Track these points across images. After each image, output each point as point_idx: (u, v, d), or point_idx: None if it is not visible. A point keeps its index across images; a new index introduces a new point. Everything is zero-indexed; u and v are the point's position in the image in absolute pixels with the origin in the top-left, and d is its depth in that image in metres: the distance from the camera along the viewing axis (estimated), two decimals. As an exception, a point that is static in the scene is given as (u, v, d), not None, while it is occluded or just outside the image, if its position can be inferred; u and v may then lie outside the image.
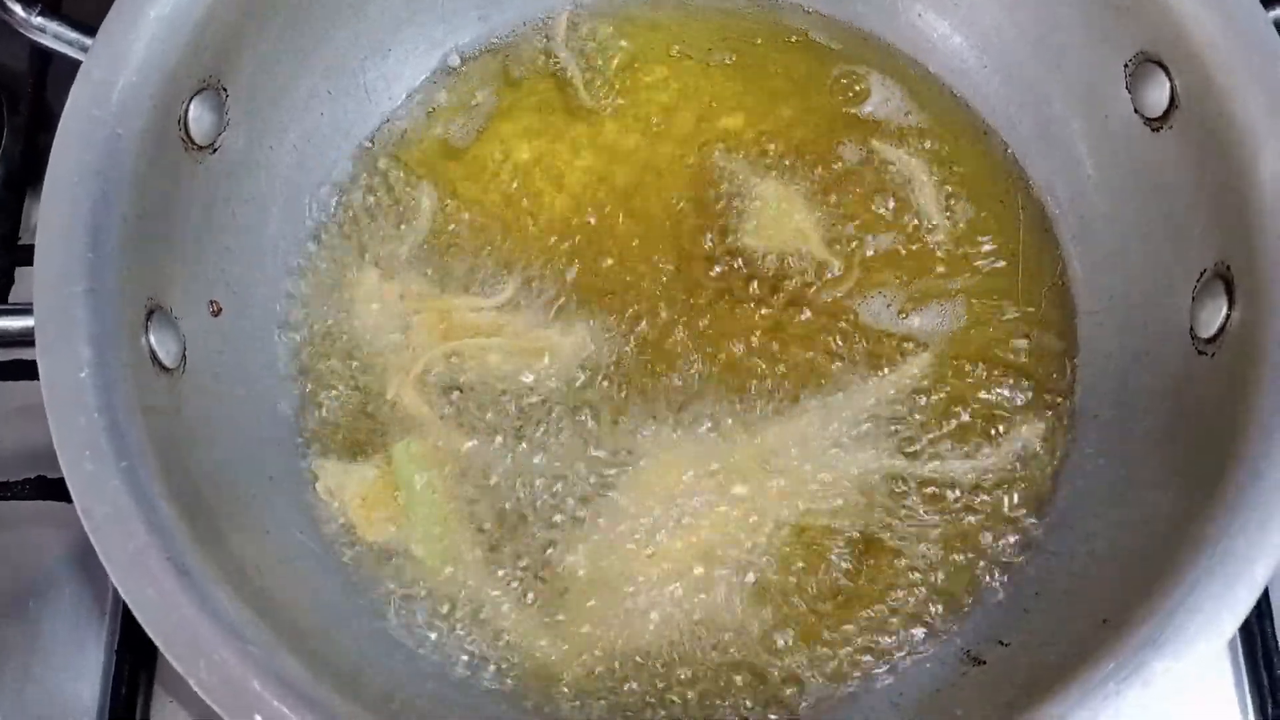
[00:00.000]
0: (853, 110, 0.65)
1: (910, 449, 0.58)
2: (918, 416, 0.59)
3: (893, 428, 0.59)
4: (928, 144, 0.64)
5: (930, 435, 0.59)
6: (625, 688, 0.55)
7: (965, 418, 0.59)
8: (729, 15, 0.68)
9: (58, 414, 0.46)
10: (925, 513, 0.57)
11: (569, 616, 0.56)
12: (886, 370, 0.60)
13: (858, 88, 0.66)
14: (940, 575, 0.56)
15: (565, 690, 0.55)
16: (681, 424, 0.59)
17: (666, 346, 0.60)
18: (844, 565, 0.56)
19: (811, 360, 0.60)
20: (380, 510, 0.57)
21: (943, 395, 0.59)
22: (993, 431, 0.59)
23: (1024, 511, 0.57)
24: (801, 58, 0.66)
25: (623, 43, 0.67)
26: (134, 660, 0.59)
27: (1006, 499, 0.58)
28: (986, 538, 0.57)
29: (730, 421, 0.59)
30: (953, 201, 0.63)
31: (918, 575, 0.56)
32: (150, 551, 0.44)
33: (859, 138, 0.64)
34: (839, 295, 0.61)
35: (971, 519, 0.57)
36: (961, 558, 0.57)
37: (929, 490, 0.58)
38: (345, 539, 0.57)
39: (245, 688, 0.43)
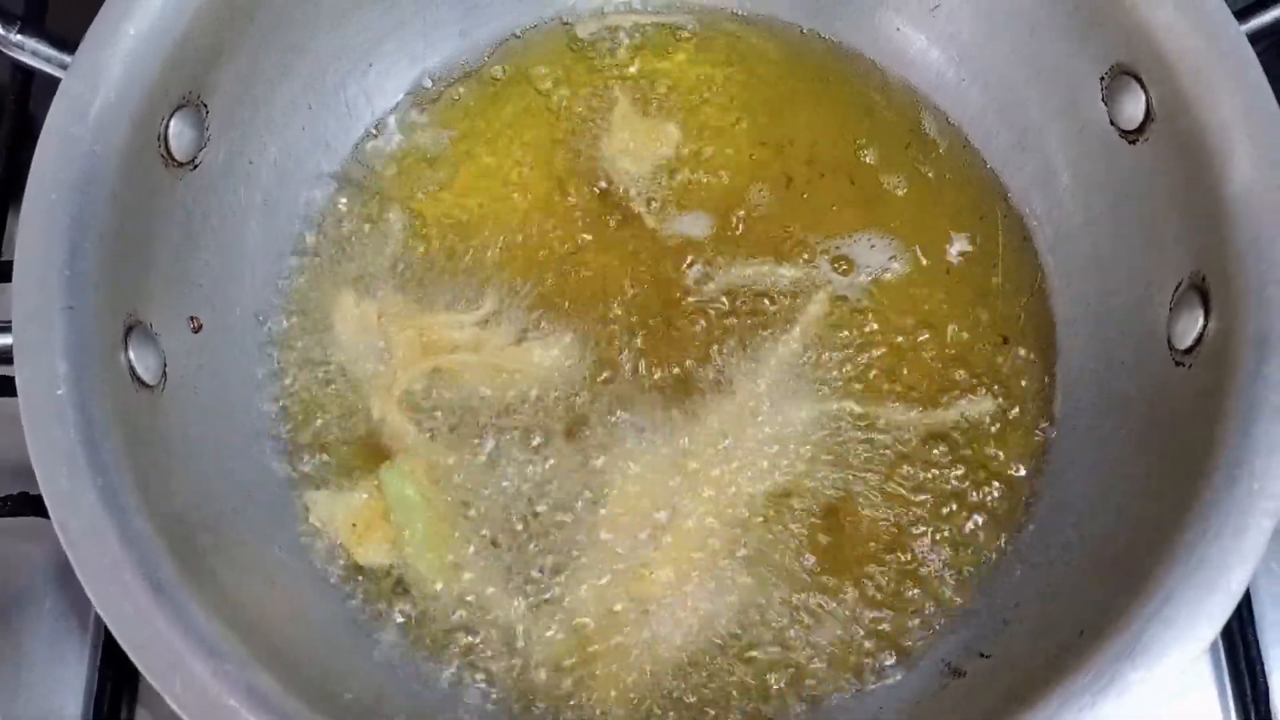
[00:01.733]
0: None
1: (890, 459, 0.59)
2: (896, 434, 0.59)
3: (875, 436, 0.59)
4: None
5: (910, 447, 0.59)
6: (603, 701, 0.55)
7: (943, 428, 0.59)
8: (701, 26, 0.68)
9: (35, 430, 0.46)
10: (906, 524, 0.57)
11: (558, 632, 0.56)
12: (869, 387, 0.60)
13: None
14: (920, 587, 0.56)
15: (551, 705, 0.55)
16: (660, 428, 0.59)
17: (641, 354, 0.61)
18: (821, 580, 0.56)
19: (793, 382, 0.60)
20: (373, 534, 0.57)
21: (922, 404, 0.60)
22: (970, 441, 0.59)
23: (1001, 521, 0.58)
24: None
25: (619, 50, 0.68)
26: (116, 676, 0.59)
27: (984, 509, 0.58)
28: (965, 548, 0.57)
29: (711, 423, 0.59)
30: (931, 211, 0.63)
31: (897, 588, 0.56)
32: (126, 567, 0.44)
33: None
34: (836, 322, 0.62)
35: (950, 529, 0.57)
36: (941, 568, 0.57)
37: (911, 502, 0.58)
38: (325, 556, 0.57)
39: (221, 704, 0.43)
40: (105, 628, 0.59)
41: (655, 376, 0.60)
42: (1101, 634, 0.44)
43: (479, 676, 0.55)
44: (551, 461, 0.58)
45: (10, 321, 0.48)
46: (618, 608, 0.56)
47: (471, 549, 0.57)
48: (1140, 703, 0.42)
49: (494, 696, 0.55)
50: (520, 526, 0.57)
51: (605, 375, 0.60)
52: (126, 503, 0.46)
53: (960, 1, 0.64)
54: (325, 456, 0.59)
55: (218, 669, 0.43)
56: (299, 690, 0.45)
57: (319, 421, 0.60)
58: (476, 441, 0.59)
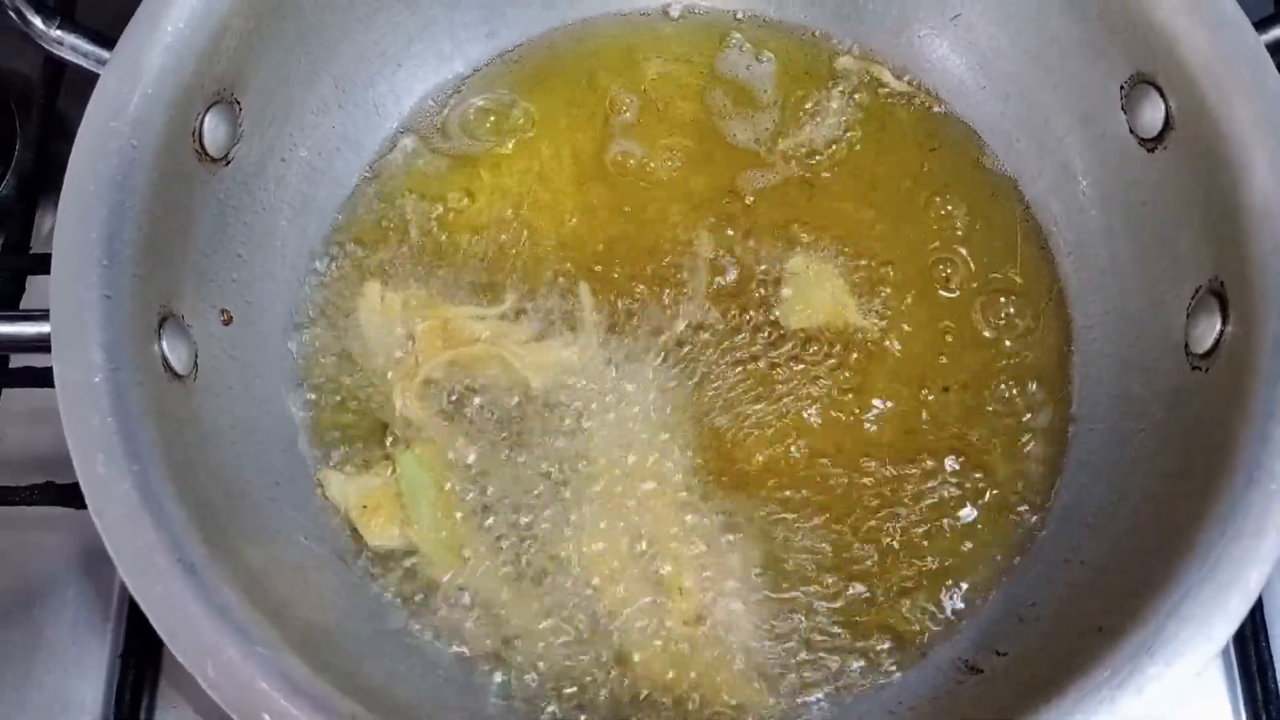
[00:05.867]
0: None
1: (907, 457, 0.59)
2: (912, 433, 0.60)
3: (889, 435, 0.60)
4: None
5: (928, 444, 0.59)
6: (616, 691, 0.55)
7: (960, 428, 0.60)
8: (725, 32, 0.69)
9: (72, 417, 0.46)
10: (921, 521, 0.58)
11: (562, 618, 0.56)
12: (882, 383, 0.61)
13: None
14: (936, 585, 0.57)
15: (567, 694, 0.55)
16: (677, 430, 0.60)
17: (659, 353, 0.61)
18: (837, 577, 0.57)
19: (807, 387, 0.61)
20: (383, 516, 0.58)
21: (940, 407, 0.60)
22: (986, 440, 0.59)
23: (1020, 521, 0.58)
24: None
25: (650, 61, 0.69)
26: (138, 665, 0.60)
27: (1002, 508, 0.58)
28: (983, 546, 0.58)
29: (720, 433, 0.60)
30: (951, 217, 0.64)
31: (914, 585, 0.57)
32: (160, 552, 0.45)
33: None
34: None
35: (968, 528, 0.58)
36: (958, 566, 0.57)
37: (927, 500, 0.58)
38: (351, 544, 0.58)
39: (253, 687, 0.43)
40: (127, 618, 0.60)
41: (676, 380, 0.61)
42: (1119, 631, 0.44)
43: (492, 663, 0.56)
44: (563, 458, 0.59)
45: (47, 310, 0.48)
46: (620, 598, 0.56)
47: (481, 535, 0.58)
48: (1158, 699, 0.43)
49: (512, 685, 0.55)
50: (530, 516, 0.58)
51: (624, 377, 0.61)
52: (160, 490, 0.46)
53: (980, 10, 0.64)
54: (347, 444, 0.60)
55: (249, 652, 0.44)
56: (327, 674, 0.45)
57: (343, 409, 0.61)
58: (491, 431, 0.60)
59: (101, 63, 0.54)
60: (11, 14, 0.57)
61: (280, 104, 0.60)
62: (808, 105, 0.67)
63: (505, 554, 0.58)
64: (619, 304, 0.62)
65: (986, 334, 0.62)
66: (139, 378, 0.48)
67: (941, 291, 0.62)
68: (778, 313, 0.62)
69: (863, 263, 0.63)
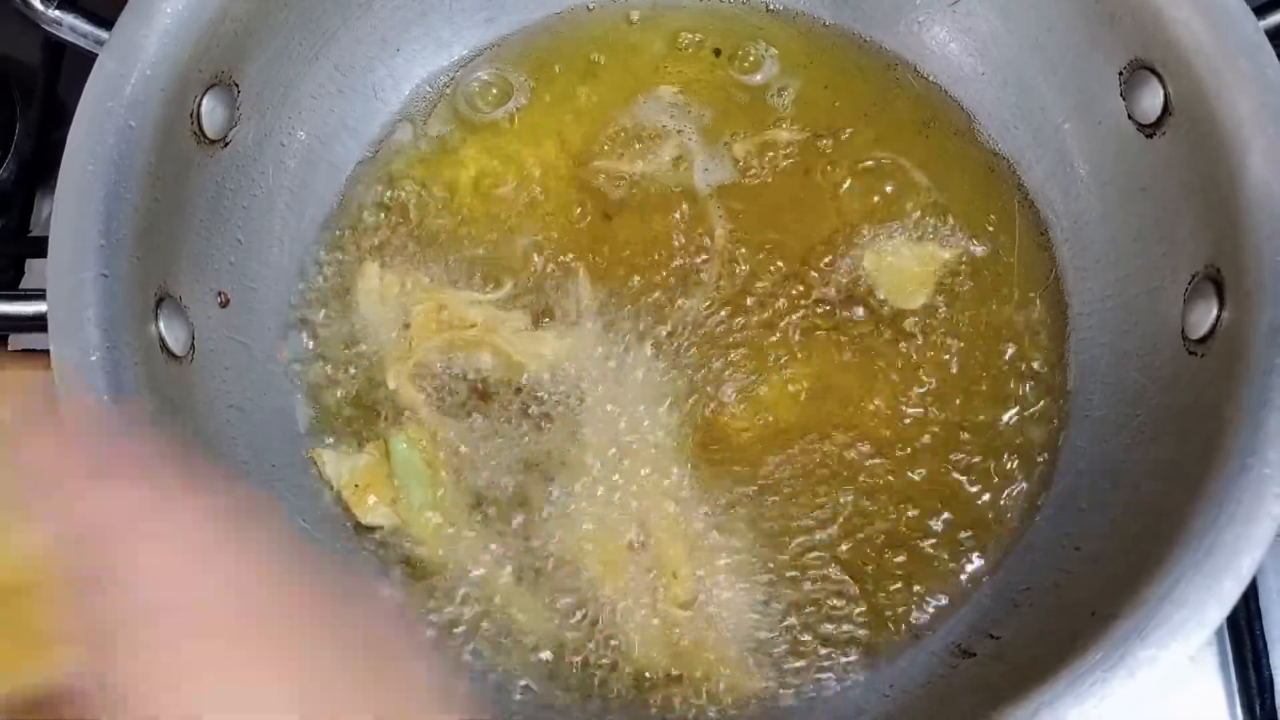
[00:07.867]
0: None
1: (899, 446, 0.59)
2: (908, 422, 0.60)
3: (886, 425, 0.60)
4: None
5: (921, 428, 0.59)
6: (609, 674, 0.56)
7: (956, 414, 0.60)
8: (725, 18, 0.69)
9: (68, 397, 0.46)
10: (916, 507, 0.58)
11: (551, 603, 0.57)
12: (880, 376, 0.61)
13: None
14: (929, 569, 0.57)
15: (560, 677, 0.56)
16: (666, 422, 0.60)
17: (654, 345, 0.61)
18: (830, 562, 0.57)
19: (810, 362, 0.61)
20: (374, 496, 0.58)
21: (935, 393, 0.60)
22: (981, 427, 0.59)
23: (1014, 506, 0.58)
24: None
25: (647, 38, 0.68)
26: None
27: (996, 493, 0.58)
28: (977, 531, 0.58)
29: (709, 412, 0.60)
30: (947, 204, 0.64)
31: (906, 570, 0.57)
32: (157, 533, 0.45)
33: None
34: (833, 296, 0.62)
35: (961, 514, 0.58)
36: (951, 550, 0.57)
37: (921, 487, 0.58)
38: (347, 527, 0.58)
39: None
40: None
41: (669, 373, 0.61)
42: (1112, 615, 0.45)
43: (483, 646, 0.56)
44: (555, 442, 0.59)
45: (43, 290, 0.49)
46: (614, 582, 0.57)
47: (472, 518, 0.58)
48: (1150, 683, 0.43)
49: (490, 662, 0.56)
50: (522, 500, 0.58)
51: (621, 364, 0.61)
52: (157, 471, 0.46)
53: (980, -4, 0.64)
54: (342, 425, 0.60)
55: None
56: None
57: (339, 390, 0.61)
58: (484, 415, 0.60)
59: (100, 44, 0.54)
60: (11, -6, 0.57)
61: (279, 88, 0.60)
62: (807, 97, 0.66)
63: (497, 538, 0.58)
64: (618, 292, 0.62)
65: (983, 322, 0.62)
66: (135, 358, 0.49)
67: (936, 280, 0.62)
68: (883, 296, 0.61)
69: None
